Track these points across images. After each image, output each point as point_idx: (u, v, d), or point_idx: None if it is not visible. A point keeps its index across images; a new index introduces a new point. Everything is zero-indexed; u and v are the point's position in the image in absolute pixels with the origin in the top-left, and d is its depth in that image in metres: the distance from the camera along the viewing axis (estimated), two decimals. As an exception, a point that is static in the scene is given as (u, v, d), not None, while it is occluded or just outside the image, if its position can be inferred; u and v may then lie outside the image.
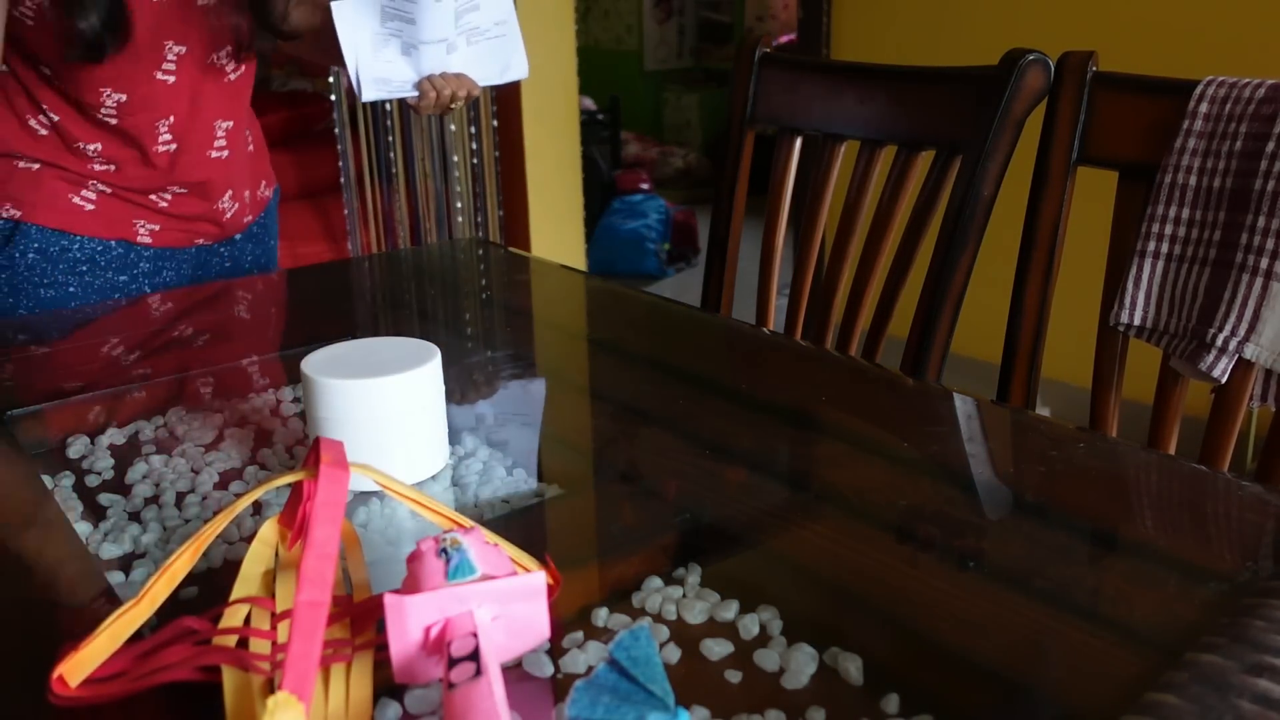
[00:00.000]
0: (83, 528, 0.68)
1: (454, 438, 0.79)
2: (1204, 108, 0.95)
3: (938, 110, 1.14)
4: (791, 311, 1.30)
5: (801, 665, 0.51)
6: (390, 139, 2.85)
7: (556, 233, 3.07)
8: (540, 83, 2.94)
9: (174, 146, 1.22)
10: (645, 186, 4.75)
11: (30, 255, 1.20)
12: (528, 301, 1.25)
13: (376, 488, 0.70)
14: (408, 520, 0.68)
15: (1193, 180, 0.96)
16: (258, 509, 0.70)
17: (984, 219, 1.10)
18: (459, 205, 2.95)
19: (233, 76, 1.25)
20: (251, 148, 1.35)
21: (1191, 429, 0.98)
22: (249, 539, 0.63)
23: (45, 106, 1.17)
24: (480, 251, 1.48)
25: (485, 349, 1.01)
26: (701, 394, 0.89)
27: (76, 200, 1.21)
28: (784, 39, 5.10)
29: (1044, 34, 2.50)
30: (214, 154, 1.25)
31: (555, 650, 0.53)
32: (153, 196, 1.25)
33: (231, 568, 0.62)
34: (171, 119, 1.20)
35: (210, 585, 0.62)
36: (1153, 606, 0.56)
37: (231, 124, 1.26)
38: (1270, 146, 0.91)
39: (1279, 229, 0.89)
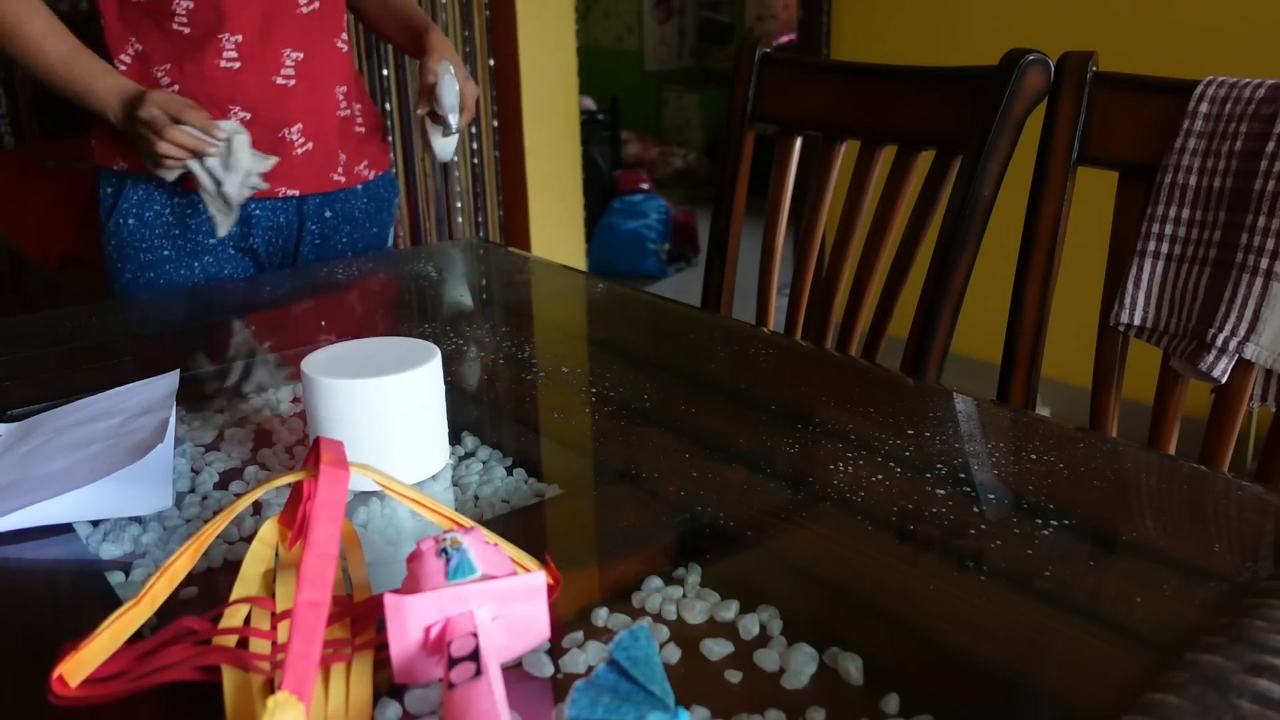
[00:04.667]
0: (83, 528, 0.68)
1: (454, 438, 0.79)
2: (1204, 108, 0.95)
3: (938, 110, 1.14)
4: (791, 311, 1.30)
5: (801, 665, 0.51)
6: (390, 139, 2.85)
7: (556, 233, 3.07)
8: (540, 83, 2.94)
9: (237, 65, 1.28)
10: (645, 186, 4.75)
11: (131, 221, 1.32)
12: (528, 301, 1.25)
13: (376, 488, 0.70)
14: (408, 520, 0.68)
15: (1193, 180, 0.96)
16: (258, 509, 0.70)
17: (984, 219, 1.10)
18: (459, 205, 2.95)
19: (305, 9, 1.31)
20: (354, 119, 1.41)
21: (1191, 429, 0.98)
22: (249, 539, 0.63)
23: (131, 40, 1.27)
24: (480, 251, 1.48)
25: (485, 349, 1.01)
26: (701, 394, 0.89)
27: None
28: (784, 39, 5.10)
29: (1044, 34, 2.50)
30: (279, 80, 1.31)
31: (555, 650, 0.53)
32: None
33: (231, 568, 0.62)
34: (240, 38, 1.27)
35: (210, 585, 0.62)
36: (1153, 606, 0.56)
37: (302, 56, 1.32)
38: (1270, 146, 0.91)
39: (1279, 229, 0.89)
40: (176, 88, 1.28)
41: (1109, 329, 1.02)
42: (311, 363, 0.73)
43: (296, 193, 1.38)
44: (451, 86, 1.32)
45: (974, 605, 0.57)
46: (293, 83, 1.33)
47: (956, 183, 1.10)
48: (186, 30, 1.26)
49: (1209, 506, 0.69)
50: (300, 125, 1.35)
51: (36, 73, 1.23)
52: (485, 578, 0.50)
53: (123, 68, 1.28)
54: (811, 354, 1.03)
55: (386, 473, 0.60)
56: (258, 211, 1.37)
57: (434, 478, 0.74)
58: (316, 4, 1.33)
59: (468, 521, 0.58)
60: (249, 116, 1.31)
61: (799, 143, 1.31)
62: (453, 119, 1.33)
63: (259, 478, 0.75)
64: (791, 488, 0.71)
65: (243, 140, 1.21)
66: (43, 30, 1.22)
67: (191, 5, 1.25)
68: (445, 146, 1.39)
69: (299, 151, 1.36)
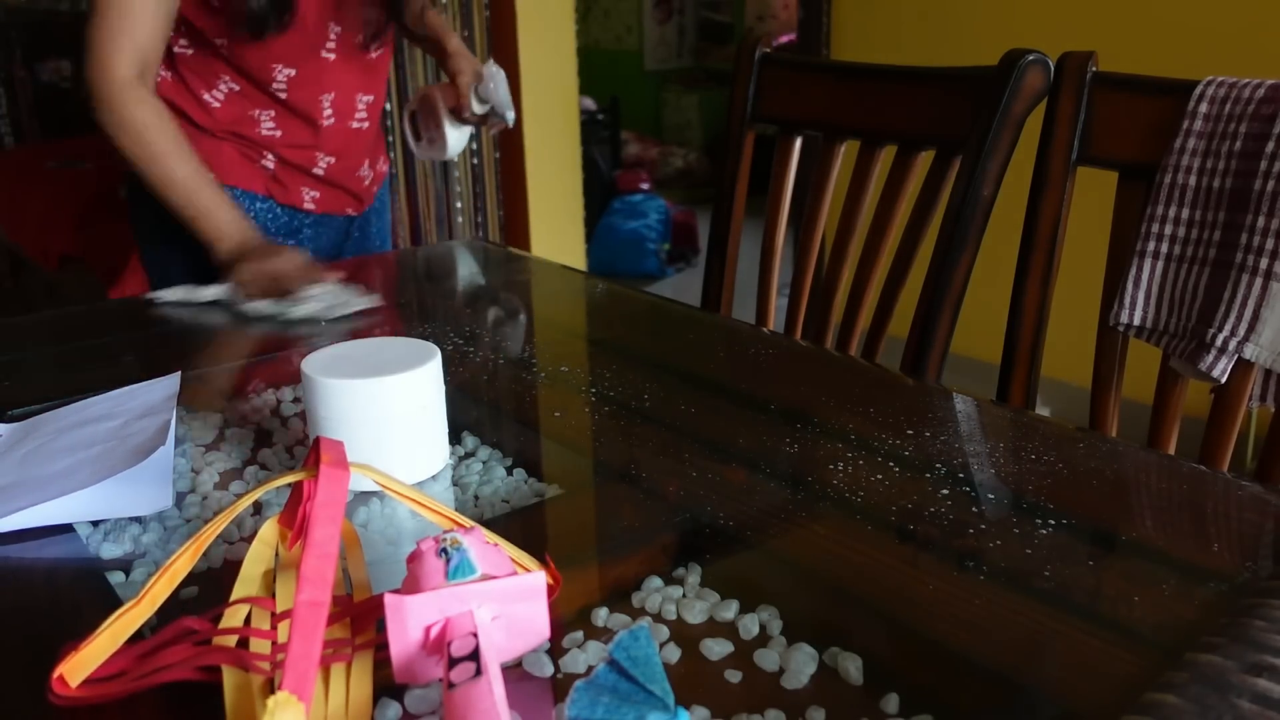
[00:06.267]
0: (83, 528, 0.68)
1: (454, 438, 0.79)
2: (1204, 108, 0.95)
3: (938, 110, 1.14)
4: (791, 311, 1.30)
5: (801, 665, 0.51)
6: (390, 139, 2.85)
7: (556, 233, 3.07)
8: (540, 83, 2.94)
9: (332, 121, 1.36)
10: (645, 186, 4.75)
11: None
12: (528, 301, 1.25)
13: (376, 488, 0.70)
14: (408, 520, 0.68)
15: (1192, 180, 0.96)
16: (258, 509, 0.70)
17: (984, 219, 1.10)
18: (459, 205, 2.95)
19: (374, 55, 1.39)
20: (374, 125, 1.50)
21: (1191, 429, 0.98)
22: (249, 539, 0.63)
23: (224, 78, 1.30)
24: (480, 251, 1.48)
25: (485, 349, 1.01)
26: (701, 394, 0.89)
27: (260, 164, 1.35)
28: (784, 39, 5.10)
29: (1044, 34, 2.50)
30: (355, 124, 1.40)
31: (555, 650, 0.53)
32: (314, 168, 1.39)
33: (231, 568, 0.62)
34: (333, 95, 1.35)
35: (210, 585, 0.62)
36: (1153, 606, 0.56)
37: (371, 98, 1.41)
38: (1270, 146, 0.91)
39: (1279, 229, 0.89)
40: (280, 134, 1.34)
41: (1109, 329, 1.02)
42: (311, 363, 0.73)
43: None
44: (504, 84, 1.41)
45: (974, 605, 0.57)
46: (366, 125, 1.41)
47: (956, 183, 1.10)
48: (284, 95, 1.31)
49: (1209, 506, 0.69)
50: (367, 161, 1.45)
51: (156, 183, 1.22)
52: (485, 578, 0.50)
53: (215, 104, 1.31)
54: (811, 354, 1.03)
55: (386, 473, 0.60)
56: (323, 232, 1.45)
57: (434, 478, 0.74)
58: (383, 49, 1.40)
59: (468, 521, 0.58)
60: (334, 161, 1.39)
61: (799, 143, 1.31)
62: (509, 115, 1.42)
63: (259, 478, 0.75)
64: (791, 488, 0.71)
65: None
66: (172, 147, 1.22)
67: (294, 74, 1.30)
68: (459, 140, 1.46)
69: (366, 184, 1.47)
